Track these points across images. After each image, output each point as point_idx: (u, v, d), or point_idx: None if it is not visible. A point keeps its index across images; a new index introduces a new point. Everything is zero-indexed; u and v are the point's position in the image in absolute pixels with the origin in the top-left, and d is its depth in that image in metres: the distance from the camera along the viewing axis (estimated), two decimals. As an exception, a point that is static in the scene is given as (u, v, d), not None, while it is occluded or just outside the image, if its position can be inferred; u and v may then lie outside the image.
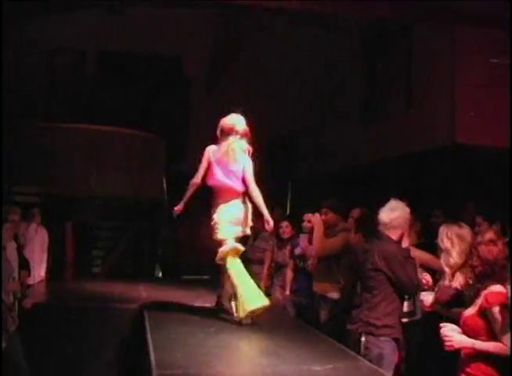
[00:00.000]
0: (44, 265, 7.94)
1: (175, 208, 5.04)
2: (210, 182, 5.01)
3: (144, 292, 6.85)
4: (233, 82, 13.31)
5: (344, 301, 5.13)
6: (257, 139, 12.96)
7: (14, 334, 4.85)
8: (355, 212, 5.78)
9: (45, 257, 7.96)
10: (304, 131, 13.42)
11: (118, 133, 9.18)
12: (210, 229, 4.96)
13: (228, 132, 5.05)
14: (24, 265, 6.08)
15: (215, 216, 4.95)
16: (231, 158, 4.98)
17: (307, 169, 13.55)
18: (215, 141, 12.36)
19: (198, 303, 6.20)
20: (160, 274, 11.17)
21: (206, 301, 6.44)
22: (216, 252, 4.84)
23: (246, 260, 8.65)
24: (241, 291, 4.73)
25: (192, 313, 5.54)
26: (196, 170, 4.71)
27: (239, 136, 5.04)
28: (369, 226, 5.29)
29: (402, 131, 9.52)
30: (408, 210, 4.50)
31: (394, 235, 4.47)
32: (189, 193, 5.04)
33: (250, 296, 4.72)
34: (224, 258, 4.88)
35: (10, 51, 11.04)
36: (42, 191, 8.55)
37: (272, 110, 13.25)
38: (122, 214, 10.22)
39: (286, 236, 6.97)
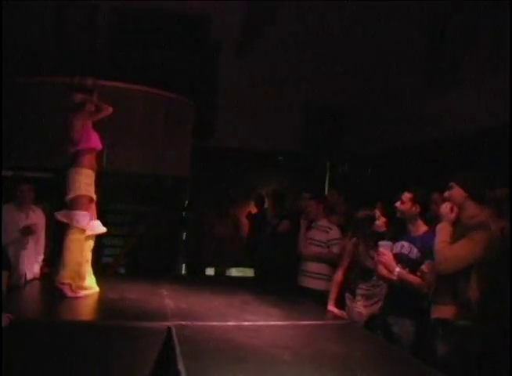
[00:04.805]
0: (39, 258, 6.12)
1: None
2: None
3: (169, 299, 5.03)
4: (268, 45, 11.39)
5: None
6: (292, 112, 11.42)
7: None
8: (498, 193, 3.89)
9: (41, 247, 6.13)
10: (352, 104, 11.40)
11: (135, 92, 7.12)
12: None
13: None
14: (4, 262, 4.29)
15: None
16: None
17: (354, 149, 11.58)
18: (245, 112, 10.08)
19: (247, 319, 4.40)
20: (184, 270, 9.35)
21: (255, 313, 4.67)
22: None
23: (294, 254, 6.96)
24: None
25: (243, 338, 3.77)
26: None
27: None
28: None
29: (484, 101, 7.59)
30: None
31: None
32: None
33: None
34: None
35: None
36: (36, 164, 6.64)
37: (311, 79, 11.34)
38: (138, 194, 8.41)
39: (381, 229, 5.05)
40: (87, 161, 5.12)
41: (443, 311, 3.73)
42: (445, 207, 3.86)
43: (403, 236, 4.53)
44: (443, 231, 3.79)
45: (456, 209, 3.84)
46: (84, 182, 5.06)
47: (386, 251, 4.47)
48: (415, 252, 4.32)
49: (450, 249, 3.68)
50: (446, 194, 3.91)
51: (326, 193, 10.61)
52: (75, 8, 10.78)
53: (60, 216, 5.08)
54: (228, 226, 9.10)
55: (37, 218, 5.97)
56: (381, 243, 4.59)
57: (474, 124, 7.81)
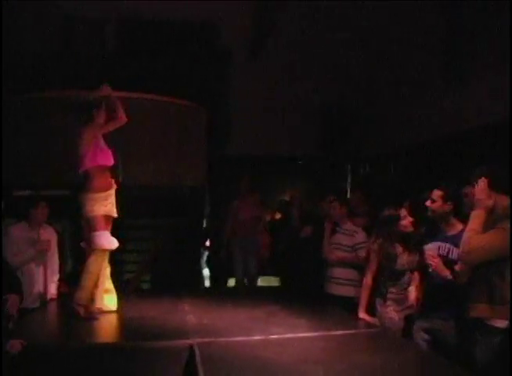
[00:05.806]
0: (55, 278, 5.91)
1: None
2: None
3: (190, 315, 4.79)
4: (280, 49, 11.13)
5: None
6: (309, 114, 11.14)
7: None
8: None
9: (55, 266, 5.93)
10: (368, 102, 11.09)
11: (146, 101, 6.91)
12: None
13: None
14: (13, 284, 4.08)
15: None
16: None
17: (374, 149, 11.28)
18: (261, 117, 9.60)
19: (273, 332, 4.14)
20: (207, 281, 9.11)
21: (282, 325, 4.40)
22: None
23: (318, 260, 6.70)
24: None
25: (271, 354, 3.52)
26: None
27: None
28: None
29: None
30: None
31: None
32: None
33: None
34: None
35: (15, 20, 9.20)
36: (45, 181, 6.45)
37: (327, 79, 11.05)
38: (157, 207, 8.18)
39: (407, 229, 4.77)
40: (97, 184, 4.87)
41: (479, 310, 3.45)
42: (481, 193, 3.56)
43: (436, 237, 4.24)
44: (476, 219, 3.52)
45: (493, 196, 3.56)
46: (99, 204, 4.85)
47: (434, 253, 4.18)
48: (455, 252, 4.02)
49: (477, 239, 3.42)
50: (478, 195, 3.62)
51: (349, 195, 10.34)
52: (84, 19, 10.68)
53: (83, 244, 5.07)
54: (253, 206, 8.63)
55: (48, 235, 5.77)
56: (428, 246, 4.30)
57: (496, 116, 7.52)
